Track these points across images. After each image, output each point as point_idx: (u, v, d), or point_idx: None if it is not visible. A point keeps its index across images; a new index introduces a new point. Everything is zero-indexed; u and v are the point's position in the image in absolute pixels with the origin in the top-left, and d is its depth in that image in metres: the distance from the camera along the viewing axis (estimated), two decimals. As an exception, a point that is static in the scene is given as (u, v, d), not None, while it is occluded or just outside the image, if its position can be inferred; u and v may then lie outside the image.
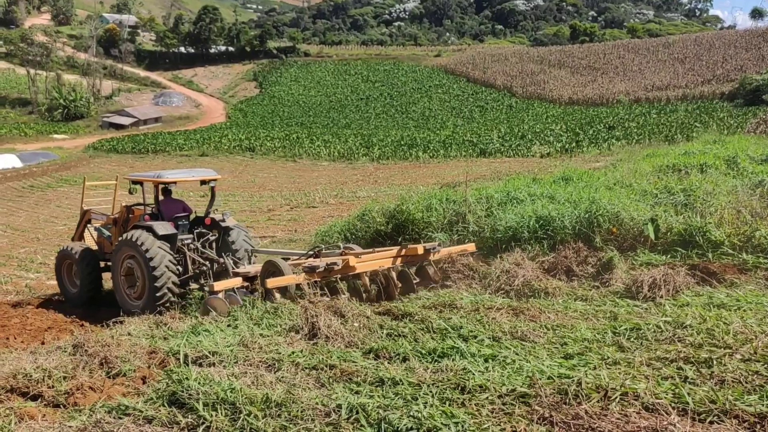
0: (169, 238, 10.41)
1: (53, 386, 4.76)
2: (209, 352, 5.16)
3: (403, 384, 4.02)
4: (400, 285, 8.14)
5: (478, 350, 4.72)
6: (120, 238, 10.82)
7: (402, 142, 50.48)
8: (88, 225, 12.95)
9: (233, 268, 10.43)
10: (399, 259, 8.35)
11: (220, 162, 48.84)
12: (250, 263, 10.87)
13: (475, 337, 5.21)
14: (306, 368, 4.61)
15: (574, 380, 3.71)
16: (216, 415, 3.75)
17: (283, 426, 3.55)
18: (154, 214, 11.18)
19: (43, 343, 8.72)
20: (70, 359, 5.45)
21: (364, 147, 49.31)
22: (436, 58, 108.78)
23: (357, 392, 4.01)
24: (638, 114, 56.31)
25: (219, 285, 8.47)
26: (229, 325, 6.63)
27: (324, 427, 3.52)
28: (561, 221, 8.23)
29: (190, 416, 3.81)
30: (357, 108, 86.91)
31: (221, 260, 10.83)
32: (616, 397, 3.49)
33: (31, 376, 4.80)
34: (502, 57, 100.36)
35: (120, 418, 3.96)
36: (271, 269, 8.28)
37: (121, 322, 7.88)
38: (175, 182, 11.45)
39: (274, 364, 4.75)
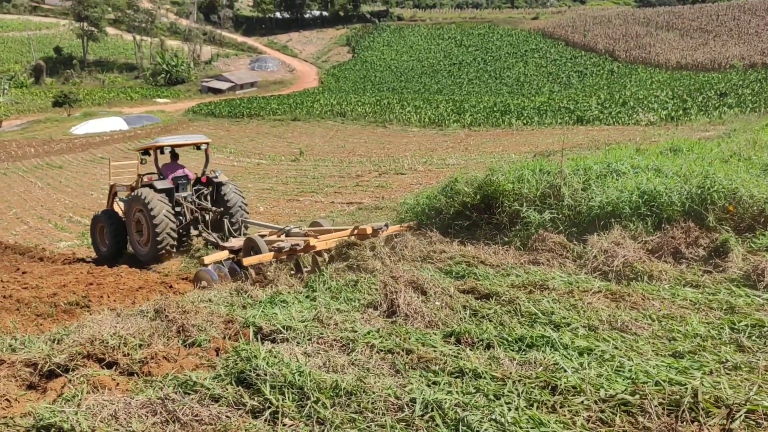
0: (167, 192, 12.49)
1: (128, 354, 4.71)
2: (283, 327, 4.96)
3: (485, 378, 3.64)
4: None
5: (571, 341, 4.24)
6: (131, 196, 12.95)
7: (495, 109, 49.12)
8: (116, 197, 14.72)
9: (229, 229, 12.25)
10: (353, 237, 9.36)
11: (312, 126, 49.34)
12: (242, 234, 12.23)
13: (569, 325, 4.72)
14: (381, 351, 4.31)
15: (687, 389, 3.19)
16: (283, 400, 3.52)
17: (351, 418, 3.27)
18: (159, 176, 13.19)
19: (134, 303, 8.96)
20: (149, 325, 5.41)
21: (455, 113, 48.36)
22: (534, 20, 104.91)
23: (434, 383, 3.67)
24: (753, 80, 51.99)
25: (208, 258, 9.58)
26: (307, 296, 6.45)
27: (395, 423, 3.20)
28: (668, 197, 7.46)
29: (256, 398, 3.60)
30: (449, 73, 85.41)
31: (215, 209, 12.63)
32: (741, 416, 2.96)
33: (107, 342, 4.76)
34: (605, 19, 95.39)
35: (187, 393, 3.81)
36: (251, 245, 9.57)
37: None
38: (170, 146, 13.17)
39: (348, 344, 4.47)
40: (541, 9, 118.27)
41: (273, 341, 4.82)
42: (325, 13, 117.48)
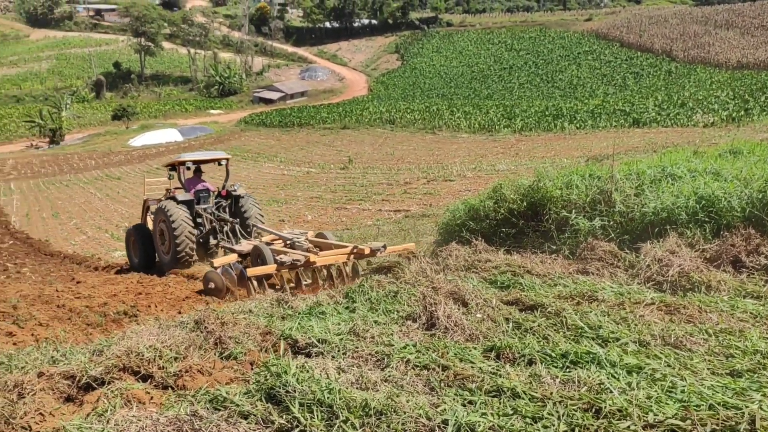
0: (187, 203, 13.28)
1: (164, 367, 4.68)
2: (318, 340, 4.86)
3: (524, 398, 3.43)
4: (351, 275, 10.14)
5: (619, 358, 3.99)
6: (156, 208, 13.84)
7: (546, 113, 48.32)
8: (148, 211, 15.36)
9: (240, 233, 13.15)
10: (351, 256, 10.39)
11: (361, 134, 49.57)
12: (253, 236, 13.15)
13: (617, 340, 4.46)
14: (417, 366, 4.14)
15: (744, 414, 2.93)
16: (311, 418, 3.40)
17: (379, 439, 3.13)
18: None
19: (179, 312, 9.05)
20: (187, 336, 5.39)
21: (505, 118, 47.80)
22: (587, 22, 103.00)
23: (470, 402, 3.49)
24: (821, 78, 49.67)
25: (218, 261, 10.70)
26: (347, 308, 6.34)
27: (425, 446, 3.04)
28: (728, 202, 7.06)
29: (285, 416, 3.49)
30: (500, 78, 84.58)
31: (232, 220, 13.43)
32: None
33: (143, 355, 4.74)
34: (662, 19, 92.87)
35: (217, 410, 3.74)
36: (258, 254, 10.57)
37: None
38: (191, 161, 14.04)
39: (383, 359, 4.33)
40: (594, 10, 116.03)
41: (308, 355, 4.73)
42: (374, 22, 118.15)
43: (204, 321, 5.78)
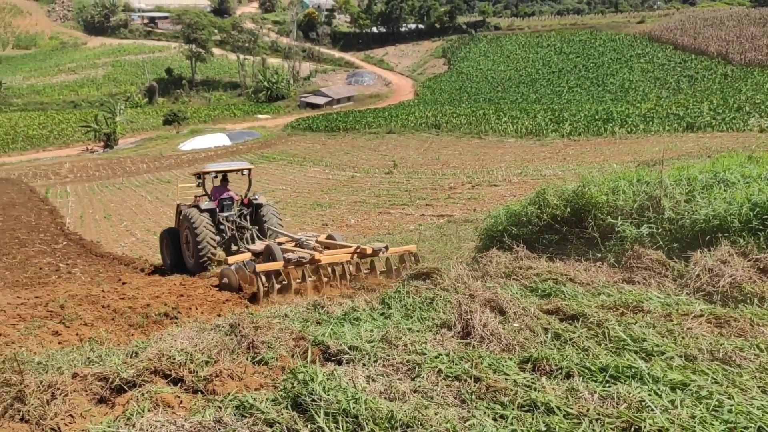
0: (210, 212, 14.13)
1: (194, 371, 4.67)
2: (349, 347, 4.77)
3: (558, 414, 3.27)
4: (354, 273, 10.98)
5: (663, 374, 3.77)
6: (182, 216, 14.61)
7: (596, 117, 47.38)
8: (180, 215, 15.86)
9: (257, 237, 13.87)
10: (355, 255, 11.16)
11: (406, 139, 49.48)
12: (268, 237, 13.87)
13: (662, 353, 4.23)
14: (448, 377, 4.01)
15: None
16: (336, 429, 3.31)
17: (404, 453, 3.02)
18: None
19: (219, 315, 9.10)
20: (220, 340, 5.38)
21: (554, 122, 47.06)
22: (639, 24, 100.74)
23: (501, 417, 3.34)
24: None
25: (232, 259, 11.72)
26: (382, 314, 6.24)
27: (451, 463, 2.91)
28: (784, 210, 6.70)
29: (310, 426, 3.41)
30: (548, 82, 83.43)
31: (251, 227, 14.20)
32: None
33: (174, 358, 4.74)
34: (717, 20, 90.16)
35: (243, 416, 3.69)
36: (269, 252, 11.31)
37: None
38: (216, 171, 15.09)
39: (414, 368, 4.21)
40: (647, 12, 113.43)
41: (338, 362, 4.64)
42: (421, 26, 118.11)
43: (239, 325, 5.77)
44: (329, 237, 12.52)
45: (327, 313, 6.66)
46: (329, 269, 10.89)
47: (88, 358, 5.30)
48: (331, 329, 5.45)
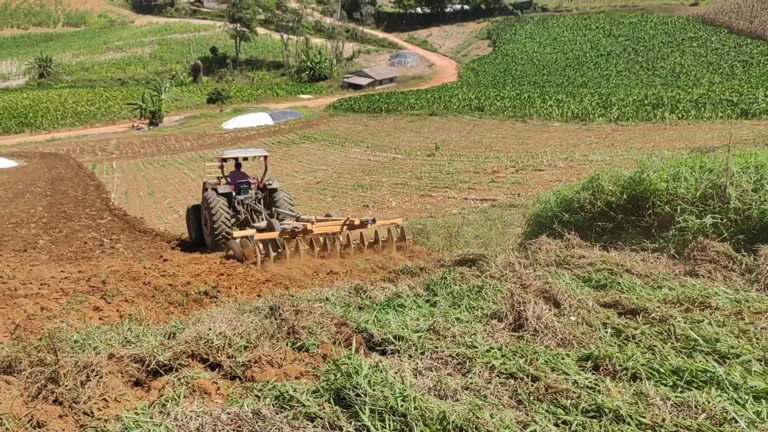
0: (226, 195, 15.28)
1: (233, 356, 4.47)
2: (394, 336, 4.51)
3: (629, 423, 2.95)
4: (344, 244, 12.10)
5: (743, 380, 3.41)
6: (202, 197, 15.72)
7: (645, 102, 45.91)
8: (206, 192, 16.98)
9: (266, 218, 14.37)
10: (344, 227, 12.32)
11: (449, 121, 48.84)
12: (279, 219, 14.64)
13: (738, 356, 3.85)
14: (502, 374, 3.71)
15: None
16: (382, 429, 3.05)
17: (459, 461, 2.74)
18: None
19: (258, 296, 8.97)
20: (260, 324, 5.19)
21: (601, 107, 45.79)
22: (693, 7, 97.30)
23: (564, 423, 3.03)
24: None
25: (237, 233, 12.93)
26: (427, 301, 5.96)
27: (512, 474, 2.63)
28: None
29: (354, 423, 3.16)
30: (596, 65, 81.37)
31: (263, 209, 15.24)
32: None
33: (212, 342, 4.55)
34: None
35: (282, 408, 3.46)
36: (269, 226, 12.72)
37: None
38: (233, 158, 16.27)
39: (465, 363, 3.92)
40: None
41: (383, 352, 4.39)
42: (466, 7, 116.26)
43: (279, 308, 5.56)
44: (327, 215, 13.88)
45: (369, 298, 6.42)
46: (321, 239, 12.21)
47: (125, 338, 5.16)
48: (375, 316, 5.19)
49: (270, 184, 15.80)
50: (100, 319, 7.80)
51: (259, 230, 12.94)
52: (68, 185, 33.64)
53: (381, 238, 12.36)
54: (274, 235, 11.76)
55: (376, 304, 5.91)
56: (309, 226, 11.89)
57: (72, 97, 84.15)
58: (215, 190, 15.38)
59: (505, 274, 6.52)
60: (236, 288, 9.79)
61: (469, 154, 33.20)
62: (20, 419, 3.61)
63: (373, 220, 12.54)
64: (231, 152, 16.32)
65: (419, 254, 11.52)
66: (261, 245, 11.46)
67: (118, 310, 8.26)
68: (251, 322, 5.20)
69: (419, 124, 49.91)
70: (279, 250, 11.64)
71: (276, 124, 62.48)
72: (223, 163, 16.23)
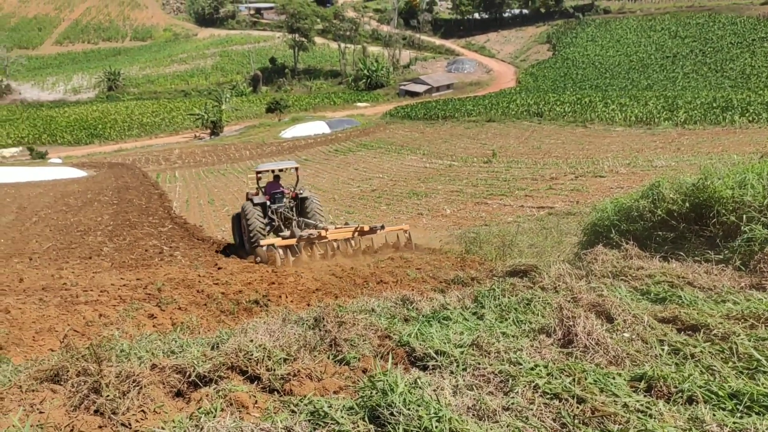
0: (261, 205, 16.41)
1: (272, 369, 4.43)
2: (436, 351, 4.38)
3: (681, 453, 2.74)
4: (356, 247, 13.92)
5: (814, 408, 3.14)
6: (241, 206, 16.79)
7: (714, 105, 44.21)
8: None
9: (293, 227, 15.23)
10: (355, 233, 14.11)
11: (506, 127, 48.25)
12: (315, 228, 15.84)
13: (807, 380, 3.57)
14: (546, 394, 3.54)
15: None
16: (415, 450, 2.93)
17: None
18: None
19: (308, 305, 8.97)
20: (302, 335, 5.15)
21: (666, 110, 44.34)
22: (763, 6, 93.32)
23: (610, 450, 2.85)
24: None
25: (263, 242, 13.99)
26: (474, 313, 5.80)
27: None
28: None
29: (387, 443, 3.06)
30: (661, 67, 79.03)
31: (295, 218, 16.20)
32: None
33: (252, 354, 4.53)
34: None
35: (316, 426, 3.39)
36: (290, 234, 14.15)
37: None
38: (266, 171, 17.61)
39: (507, 381, 3.76)
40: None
41: (424, 368, 4.27)
42: (525, 11, 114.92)
43: (323, 319, 5.50)
44: (345, 224, 15.24)
45: (416, 309, 6.31)
46: (334, 244, 13.77)
47: (170, 348, 5.21)
48: (419, 329, 5.07)
49: (301, 193, 16.93)
50: (153, 326, 7.95)
51: (284, 238, 14.33)
52: (133, 194, 34.79)
53: (390, 242, 14.20)
54: (292, 241, 13.59)
55: (422, 316, 5.79)
56: (323, 233, 13.75)
57: (138, 108, 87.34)
58: (251, 200, 16.67)
59: (557, 285, 6.30)
60: (286, 297, 9.83)
61: (527, 160, 32.67)
62: (61, 429, 3.65)
63: (382, 227, 14.12)
64: (265, 166, 17.86)
65: (471, 263, 11.32)
66: (281, 250, 13.21)
67: (171, 318, 8.41)
68: (294, 333, 5.17)
69: (476, 130, 49.49)
70: (297, 254, 13.41)
71: (333, 132, 63.18)
72: (260, 176, 17.63)
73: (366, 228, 14.12)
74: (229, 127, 76.31)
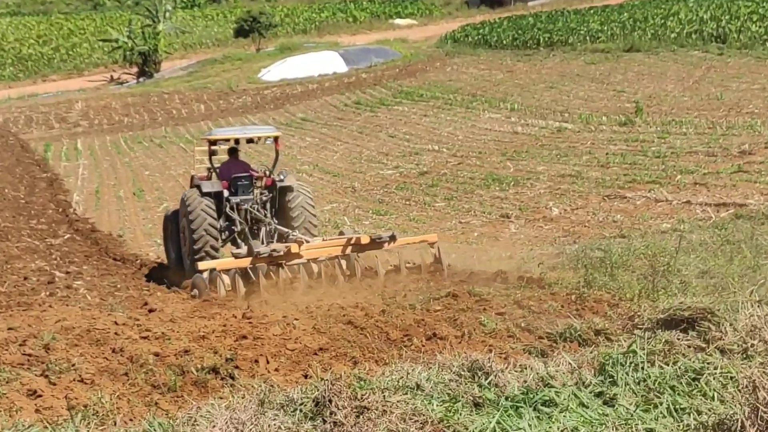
0: (214, 196, 16.72)
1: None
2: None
3: None
4: (348, 272, 14.72)
5: None
6: (180, 198, 17.68)
7: None
8: None
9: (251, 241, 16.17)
10: (349, 248, 14.86)
11: (661, 62, 48.12)
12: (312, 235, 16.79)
13: None
14: None
15: None
16: None
17: None
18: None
19: (306, 376, 9.07)
20: (295, 431, 5.23)
21: None
22: None
23: None
24: None
25: (203, 264, 14.58)
26: (599, 394, 5.84)
27: None
28: None
29: None
30: None
31: (269, 221, 16.85)
32: None
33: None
34: None
35: None
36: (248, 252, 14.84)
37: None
38: (226, 139, 18.18)
39: None
40: None
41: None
42: None
43: (330, 402, 5.60)
44: (341, 234, 16.13)
45: (495, 385, 6.36)
46: (313, 266, 14.73)
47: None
48: (497, 421, 5.10)
49: (281, 180, 17.27)
50: (36, 411, 8.09)
51: (236, 256, 15.01)
52: (4, 180, 35.24)
53: (406, 263, 14.91)
54: (244, 263, 14.26)
55: (506, 398, 5.84)
56: (294, 248, 14.32)
57: (13, 32, 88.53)
58: (198, 187, 16.97)
59: (750, 346, 6.32)
60: (267, 360, 9.92)
61: (698, 121, 32.58)
62: None
63: (393, 238, 14.96)
64: (222, 131, 18.93)
65: (595, 305, 11.35)
66: (225, 277, 13.95)
67: (67, 397, 8.54)
68: (278, 429, 5.24)
69: (606, 67, 49.41)
70: (252, 282, 13.96)
71: (352, 70, 63.42)
72: (213, 148, 17.91)
73: (365, 239, 14.95)
74: (171, 63, 77.26)
